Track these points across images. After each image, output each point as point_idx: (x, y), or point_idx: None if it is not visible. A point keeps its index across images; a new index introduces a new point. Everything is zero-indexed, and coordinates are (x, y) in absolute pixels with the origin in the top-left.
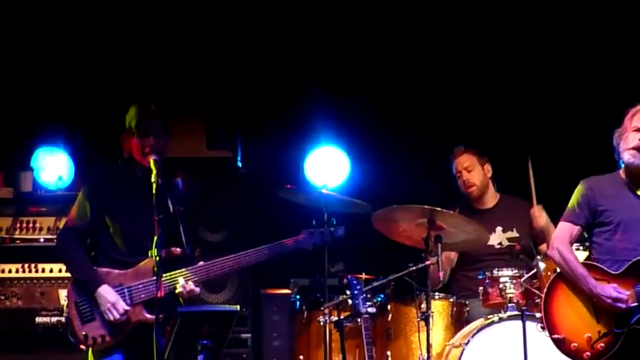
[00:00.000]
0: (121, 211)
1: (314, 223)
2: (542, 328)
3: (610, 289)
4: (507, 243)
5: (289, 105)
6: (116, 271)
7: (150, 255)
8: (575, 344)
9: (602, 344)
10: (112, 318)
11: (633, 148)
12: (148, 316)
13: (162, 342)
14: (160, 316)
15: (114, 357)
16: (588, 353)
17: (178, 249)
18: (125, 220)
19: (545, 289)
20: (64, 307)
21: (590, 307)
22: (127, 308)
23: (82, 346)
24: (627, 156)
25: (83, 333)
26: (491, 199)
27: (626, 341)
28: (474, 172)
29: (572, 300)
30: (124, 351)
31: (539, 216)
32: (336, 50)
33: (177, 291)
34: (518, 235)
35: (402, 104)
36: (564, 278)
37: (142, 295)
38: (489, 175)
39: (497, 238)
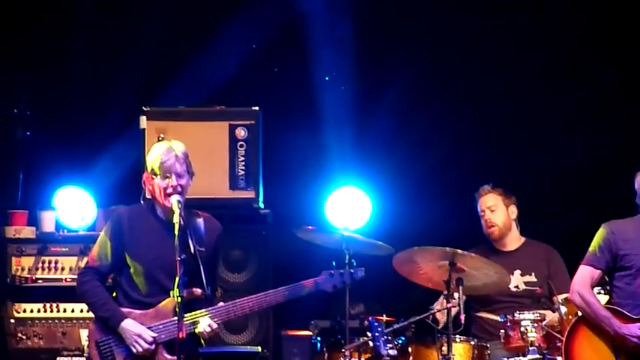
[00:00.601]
0: (142, 251)
1: (334, 264)
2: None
3: (636, 329)
4: (524, 287)
5: (312, 143)
6: (137, 311)
7: (171, 295)
8: None
9: None
10: (140, 349)
11: None
12: (169, 357)
13: None
14: (181, 357)
15: None
16: None
17: (199, 290)
18: (146, 260)
19: (566, 333)
20: (85, 348)
21: (611, 349)
22: (155, 335)
23: None
24: None
25: None
26: (514, 241)
27: None
28: (497, 212)
29: (593, 342)
30: None
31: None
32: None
33: (197, 331)
34: (536, 279)
35: (425, 143)
36: (585, 321)
37: (162, 336)
38: (513, 217)
39: (515, 281)
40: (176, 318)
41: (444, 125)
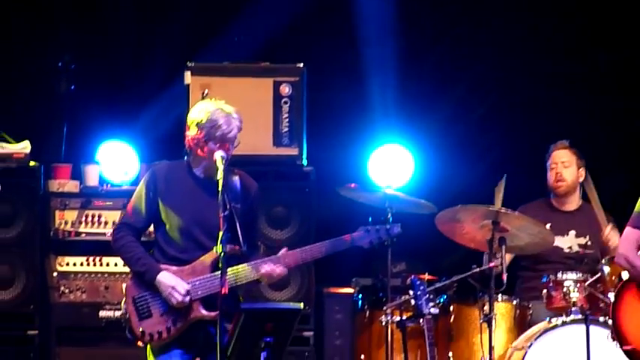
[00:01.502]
0: (178, 207)
1: (370, 220)
2: (613, 339)
3: None
4: (577, 249)
5: (356, 101)
6: (173, 267)
7: (214, 250)
8: None
9: None
10: (174, 301)
11: None
12: (205, 312)
13: (224, 338)
14: (217, 313)
15: (172, 352)
16: None
17: (236, 247)
18: (182, 216)
19: (613, 298)
20: (122, 304)
21: None
22: (188, 288)
23: (139, 343)
24: None
25: (140, 329)
26: (574, 202)
27: None
28: (569, 169)
29: None
30: (182, 347)
31: (611, 239)
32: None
33: (263, 271)
34: (590, 242)
35: (468, 101)
36: (632, 285)
37: (199, 292)
38: (581, 179)
39: (569, 241)
40: (213, 274)
41: (487, 83)
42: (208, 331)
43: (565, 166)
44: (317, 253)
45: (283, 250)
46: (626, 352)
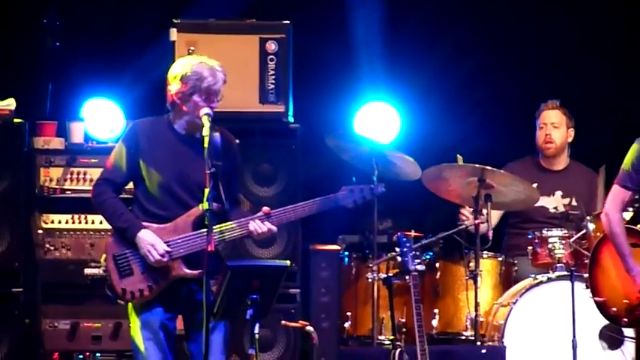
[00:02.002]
0: (159, 162)
1: (354, 180)
2: (587, 287)
3: None
4: (563, 209)
5: (342, 59)
6: (154, 225)
7: (199, 207)
8: (615, 309)
9: (639, 313)
10: (152, 259)
11: None
12: (188, 271)
13: (209, 297)
14: (200, 271)
15: (155, 311)
16: (626, 319)
17: (216, 204)
18: (163, 172)
19: (592, 250)
20: (102, 261)
21: None
22: (168, 249)
23: (120, 301)
24: None
25: (121, 287)
26: (562, 162)
27: None
28: (558, 130)
29: (615, 264)
30: (164, 305)
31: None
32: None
33: (251, 228)
34: (576, 204)
35: (454, 59)
36: (609, 241)
37: (181, 250)
38: (570, 140)
39: (555, 202)
40: (196, 232)
41: (473, 41)
42: (191, 288)
43: (555, 127)
44: (301, 212)
45: (265, 209)
46: (597, 303)
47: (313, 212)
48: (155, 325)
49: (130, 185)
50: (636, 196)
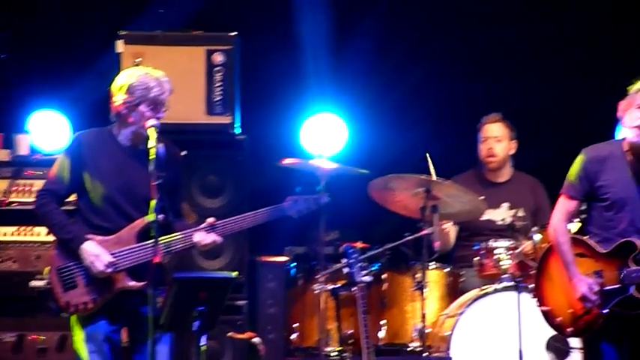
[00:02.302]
0: (102, 174)
1: (298, 190)
2: (533, 296)
3: (584, 286)
4: (510, 221)
5: (289, 70)
6: (98, 237)
7: (144, 219)
8: (560, 318)
9: (584, 322)
10: (95, 270)
11: (637, 127)
12: (132, 283)
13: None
14: (144, 283)
15: (99, 323)
16: (571, 329)
17: (162, 216)
18: (107, 184)
19: (539, 259)
20: (46, 274)
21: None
22: (112, 260)
23: (63, 313)
24: (630, 134)
25: (65, 300)
26: (505, 174)
27: (606, 322)
28: (500, 144)
29: (561, 274)
30: (108, 317)
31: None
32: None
33: (195, 240)
34: (523, 214)
35: (402, 71)
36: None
37: (126, 262)
38: (512, 152)
39: (502, 214)
40: (140, 244)
41: (421, 52)
42: (135, 300)
43: (497, 141)
44: (246, 223)
45: (210, 219)
46: (543, 313)
47: (258, 223)
48: (99, 338)
49: (72, 197)
50: (582, 207)
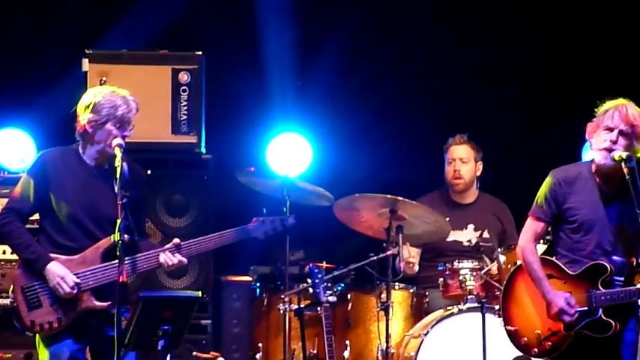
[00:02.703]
0: (67, 193)
1: (265, 211)
2: (499, 316)
3: (561, 299)
4: (475, 242)
5: (254, 90)
6: (63, 257)
7: (110, 239)
8: (526, 339)
9: (550, 343)
10: (62, 292)
11: (605, 149)
12: (97, 303)
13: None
14: (109, 303)
15: (64, 342)
16: (536, 350)
17: (127, 236)
18: (71, 203)
19: (506, 279)
20: (10, 293)
21: (544, 305)
22: (77, 281)
23: (28, 332)
24: (598, 156)
25: (30, 319)
26: (471, 195)
27: (573, 344)
28: (467, 165)
29: (529, 294)
30: (73, 336)
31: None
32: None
33: (161, 260)
34: (489, 236)
35: (367, 91)
36: (524, 272)
37: (90, 282)
38: (478, 173)
39: (468, 235)
40: (105, 264)
41: (385, 74)
42: (99, 320)
43: (463, 162)
44: (211, 244)
45: (176, 240)
46: (509, 332)
47: (224, 244)
48: (64, 357)
49: (35, 215)
50: (549, 229)
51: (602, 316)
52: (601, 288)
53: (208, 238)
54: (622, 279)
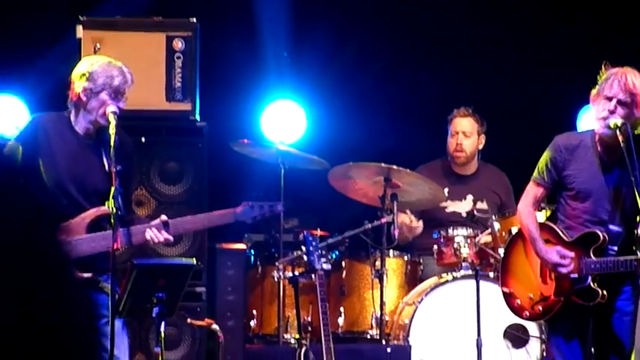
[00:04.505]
0: (55, 162)
1: (254, 195)
2: (497, 278)
3: (553, 254)
4: (475, 214)
5: (249, 57)
6: None
7: (106, 206)
8: (519, 301)
9: (541, 307)
10: None
11: (602, 119)
12: (80, 274)
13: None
14: (90, 275)
15: None
16: (527, 313)
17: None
18: (58, 170)
19: (507, 243)
20: None
21: (538, 269)
22: None
23: None
24: (598, 125)
25: None
26: (472, 167)
27: (562, 310)
28: (470, 139)
29: (525, 258)
30: None
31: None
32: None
33: (148, 236)
34: (486, 207)
35: (363, 58)
36: (523, 236)
37: (74, 252)
38: (481, 146)
39: (466, 206)
40: (89, 235)
41: (382, 40)
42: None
43: (466, 136)
44: (199, 225)
45: (163, 217)
46: (504, 294)
47: (211, 226)
48: None
49: None
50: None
51: (591, 284)
52: (592, 256)
53: (196, 219)
54: (616, 248)
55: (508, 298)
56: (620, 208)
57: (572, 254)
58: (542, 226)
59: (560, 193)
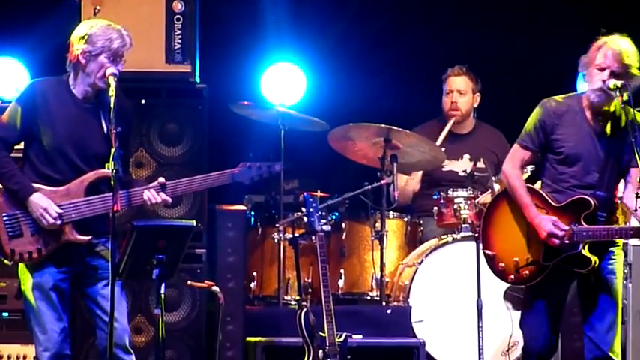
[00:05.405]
0: (54, 123)
1: (251, 156)
2: (477, 238)
3: (549, 223)
4: (470, 171)
5: (248, 19)
6: (46, 188)
7: (106, 167)
8: (503, 264)
9: (527, 272)
10: (45, 223)
11: (598, 89)
12: (79, 237)
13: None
14: (89, 237)
15: (47, 271)
16: (512, 276)
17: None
18: (58, 133)
19: (488, 205)
20: None
21: (525, 233)
22: (60, 212)
23: (7, 261)
24: (591, 94)
25: (10, 248)
26: (468, 126)
27: (549, 275)
28: (464, 97)
29: (510, 221)
30: (56, 265)
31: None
32: None
33: (145, 197)
34: (484, 166)
35: (362, 19)
36: (509, 197)
37: (73, 215)
38: (476, 105)
39: (463, 165)
40: (88, 198)
41: (381, 1)
42: (81, 250)
43: (461, 94)
44: (196, 186)
45: (161, 179)
46: (487, 257)
47: (208, 187)
48: (47, 286)
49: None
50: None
51: (582, 251)
52: (583, 223)
53: (193, 180)
54: (605, 214)
55: (491, 260)
56: (606, 174)
57: (566, 227)
58: (528, 190)
59: (545, 157)
